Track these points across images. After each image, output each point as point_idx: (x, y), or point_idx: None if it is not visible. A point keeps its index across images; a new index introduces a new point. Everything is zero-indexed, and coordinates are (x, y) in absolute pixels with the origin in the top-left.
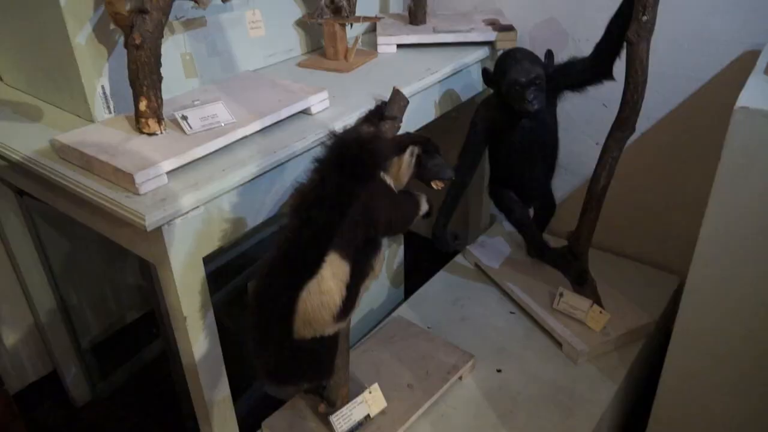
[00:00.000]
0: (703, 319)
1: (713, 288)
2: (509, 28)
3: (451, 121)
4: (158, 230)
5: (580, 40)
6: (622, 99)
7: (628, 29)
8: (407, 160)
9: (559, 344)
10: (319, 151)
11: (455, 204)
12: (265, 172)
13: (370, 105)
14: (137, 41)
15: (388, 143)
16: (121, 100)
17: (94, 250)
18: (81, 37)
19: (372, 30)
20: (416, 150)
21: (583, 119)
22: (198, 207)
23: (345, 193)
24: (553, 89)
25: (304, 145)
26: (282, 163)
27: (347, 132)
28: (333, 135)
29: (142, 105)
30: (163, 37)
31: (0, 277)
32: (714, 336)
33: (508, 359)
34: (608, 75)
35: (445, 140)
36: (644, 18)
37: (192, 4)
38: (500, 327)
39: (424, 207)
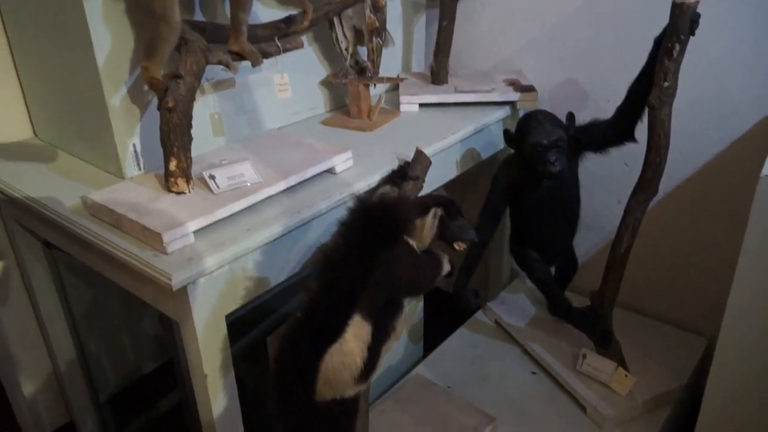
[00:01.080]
0: (735, 383)
1: (745, 352)
2: (530, 89)
3: (472, 178)
4: (183, 289)
5: (601, 101)
6: (645, 161)
7: (649, 94)
8: (430, 221)
9: (583, 408)
10: (343, 213)
11: (476, 262)
12: (289, 232)
13: (393, 165)
14: (170, 104)
15: (412, 206)
16: (151, 156)
17: (116, 301)
18: (116, 98)
19: (395, 88)
20: (439, 212)
21: (605, 177)
22: (223, 266)
23: (369, 257)
24: (575, 150)
25: (328, 204)
26: (306, 222)
27: (371, 196)
28: (357, 199)
29: (172, 165)
30: (195, 99)
31: (22, 325)
32: (746, 401)
33: (529, 422)
34: (630, 137)
35: (465, 197)
36: (666, 84)
37: (223, 67)
38: (522, 388)
39: (446, 268)
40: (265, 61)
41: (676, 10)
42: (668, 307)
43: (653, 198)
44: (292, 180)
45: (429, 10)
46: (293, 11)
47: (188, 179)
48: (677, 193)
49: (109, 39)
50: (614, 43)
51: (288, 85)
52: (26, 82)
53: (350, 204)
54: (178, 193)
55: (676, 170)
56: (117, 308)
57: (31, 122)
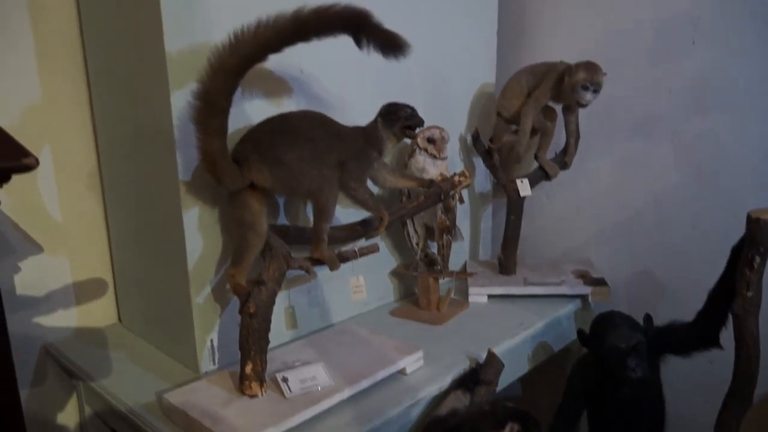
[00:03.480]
0: None
1: None
2: (601, 282)
3: (544, 372)
4: None
5: (679, 296)
6: (735, 370)
7: (733, 301)
8: None
9: None
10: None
11: None
12: None
13: (465, 365)
14: (252, 310)
15: (487, 421)
16: (226, 352)
17: None
18: (200, 297)
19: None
20: (516, 427)
21: (688, 377)
22: None
23: None
24: (656, 353)
25: (399, 410)
26: (376, 429)
27: (446, 413)
28: (433, 419)
29: (248, 369)
30: (274, 304)
31: None
32: None
33: None
34: (715, 344)
35: (537, 392)
36: (749, 294)
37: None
38: None
39: None
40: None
41: (753, 225)
42: None
43: (747, 408)
44: (363, 384)
45: (495, 199)
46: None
47: (262, 383)
48: None
49: (200, 244)
50: (689, 236)
51: (363, 287)
52: (119, 272)
53: (427, 424)
54: (252, 396)
55: None
56: None
57: (118, 308)
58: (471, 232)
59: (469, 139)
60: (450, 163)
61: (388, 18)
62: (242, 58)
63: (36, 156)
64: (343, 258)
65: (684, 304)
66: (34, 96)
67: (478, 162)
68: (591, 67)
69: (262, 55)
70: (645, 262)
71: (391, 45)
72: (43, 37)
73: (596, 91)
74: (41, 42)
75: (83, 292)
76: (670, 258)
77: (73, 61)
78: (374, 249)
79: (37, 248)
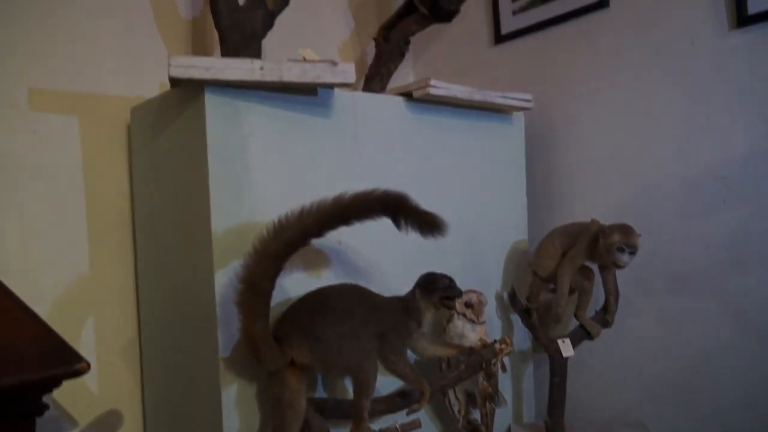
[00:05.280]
0: None
1: None
2: None
3: None
4: None
5: None
6: None
7: None
8: None
9: None
10: None
11: None
12: None
13: None
14: None
15: None
16: None
17: None
18: None
19: None
20: None
21: None
22: None
23: None
24: None
25: None
26: None
27: None
28: None
29: None
30: None
31: None
32: None
33: None
34: None
35: None
36: None
37: None
38: None
39: None
40: None
41: None
42: None
43: None
44: None
45: (535, 355)
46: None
47: None
48: None
49: (237, 422)
50: (745, 396)
51: None
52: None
53: None
54: None
55: None
56: None
57: None
58: (513, 393)
59: (505, 296)
60: (487, 321)
61: (419, 187)
62: (286, 244)
63: (87, 361)
64: None
65: None
66: (82, 269)
67: (516, 319)
68: (625, 230)
69: (304, 241)
70: (701, 425)
71: (429, 225)
72: (96, 217)
73: (632, 253)
74: (94, 220)
75: None
76: (728, 419)
77: (123, 238)
78: (416, 425)
79: (73, 423)
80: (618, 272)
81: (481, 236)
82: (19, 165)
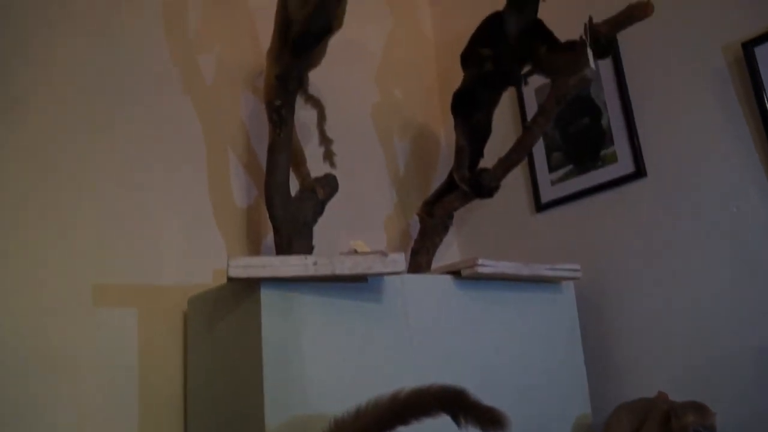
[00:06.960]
0: None
1: None
2: None
3: None
4: None
5: None
6: None
7: None
8: None
9: None
10: None
11: None
12: None
13: None
14: None
15: None
16: None
17: None
18: None
19: None
20: None
21: None
22: None
23: None
24: None
25: None
26: None
27: None
28: None
29: None
30: None
31: None
32: None
33: None
34: None
35: None
36: None
37: None
38: None
39: None
40: None
41: None
42: None
43: None
44: None
45: None
46: None
47: None
48: None
49: None
50: None
51: None
52: None
53: None
54: None
55: None
56: None
57: None
58: None
59: None
60: None
61: (472, 366)
62: None
63: None
64: None
65: None
66: None
67: None
68: (700, 409)
69: None
70: None
71: (490, 422)
72: (148, 409)
73: None
74: (145, 413)
75: None
76: None
77: (175, 420)
78: None
79: None
80: None
81: (543, 413)
82: (78, 359)
